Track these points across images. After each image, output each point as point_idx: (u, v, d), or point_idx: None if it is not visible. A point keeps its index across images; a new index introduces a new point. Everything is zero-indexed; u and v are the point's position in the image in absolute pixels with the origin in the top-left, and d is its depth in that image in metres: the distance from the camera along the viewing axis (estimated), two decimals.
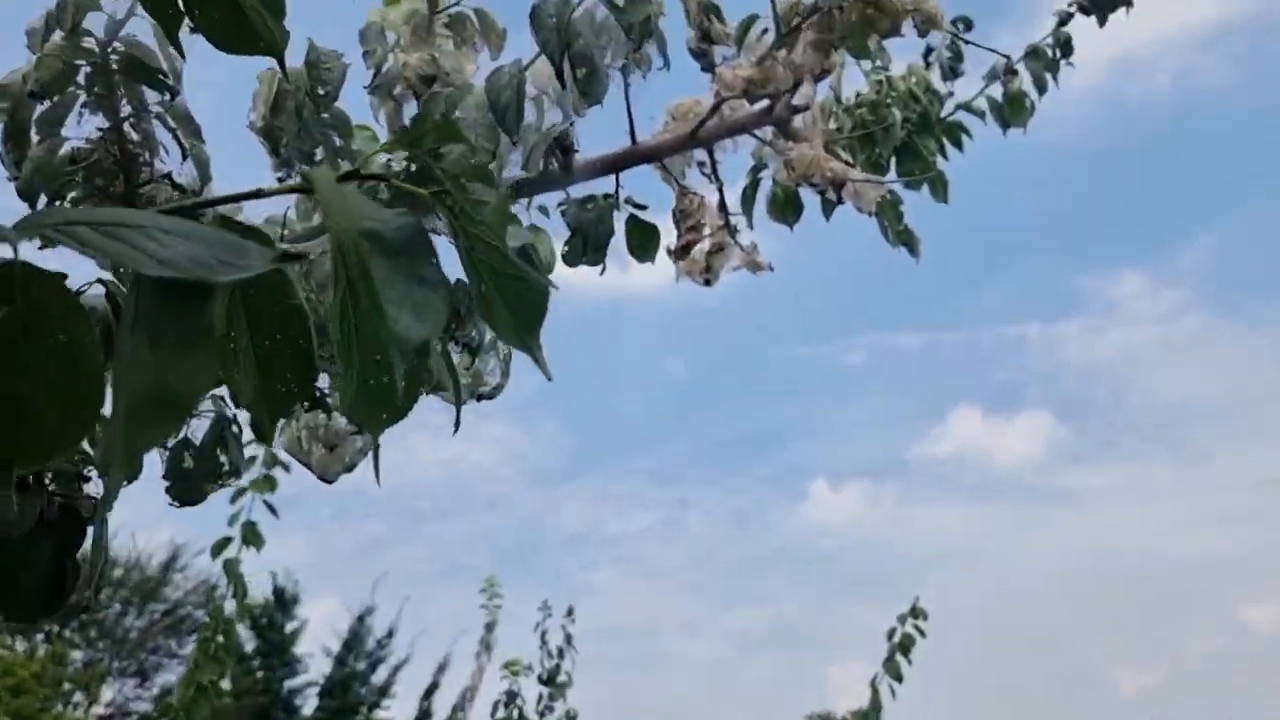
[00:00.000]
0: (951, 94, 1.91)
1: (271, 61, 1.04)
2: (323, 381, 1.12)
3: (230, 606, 3.27)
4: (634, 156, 1.23)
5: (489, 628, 4.53)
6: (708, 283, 1.48)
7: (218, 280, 0.40)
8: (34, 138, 0.86)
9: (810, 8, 1.12)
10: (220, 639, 3.19)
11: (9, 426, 0.44)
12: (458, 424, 1.09)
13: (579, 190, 1.23)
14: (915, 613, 3.64)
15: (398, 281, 0.42)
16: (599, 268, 1.25)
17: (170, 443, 0.98)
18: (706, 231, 1.31)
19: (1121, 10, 2.02)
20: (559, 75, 0.91)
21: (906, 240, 1.68)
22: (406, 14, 1.08)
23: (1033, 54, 1.98)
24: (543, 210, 1.20)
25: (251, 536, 3.20)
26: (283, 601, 13.05)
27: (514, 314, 0.48)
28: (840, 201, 1.35)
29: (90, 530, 0.88)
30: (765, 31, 1.18)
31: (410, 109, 1.06)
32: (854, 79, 1.85)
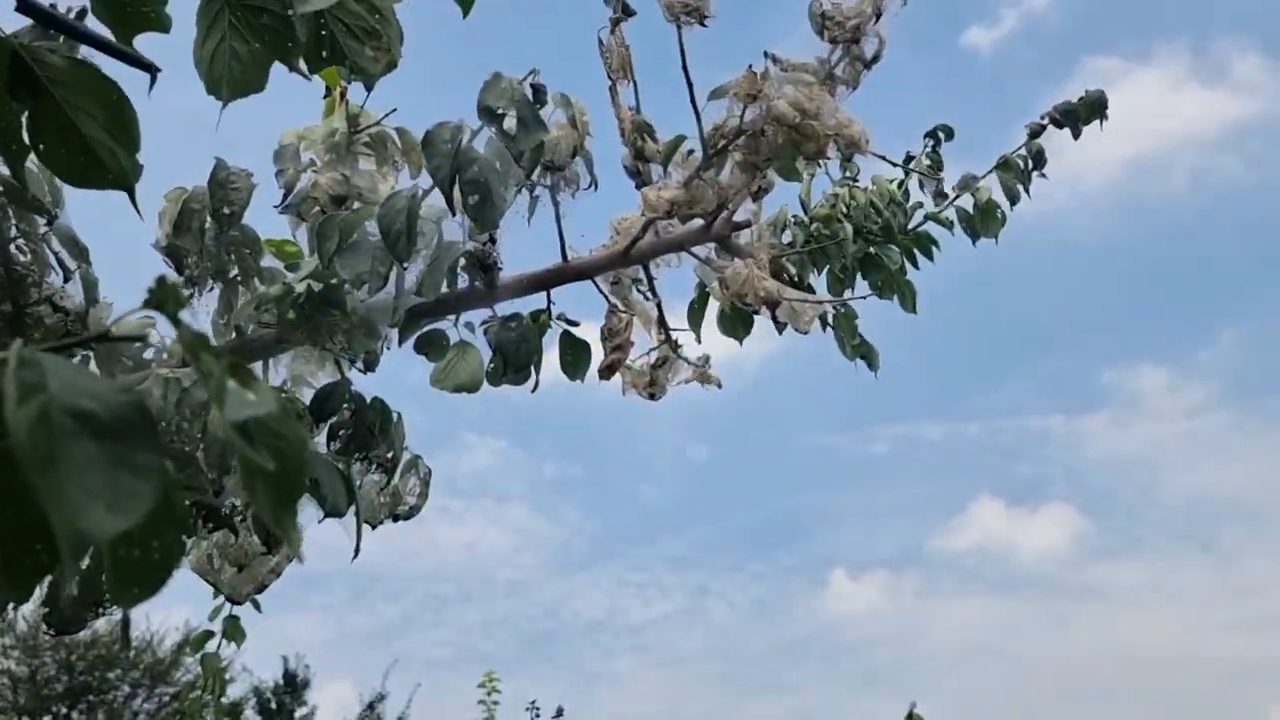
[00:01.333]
0: (920, 205, 1.89)
1: (185, 179, 1.03)
2: (235, 501, 1.09)
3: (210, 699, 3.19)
4: (565, 274, 1.22)
5: None
6: (652, 396, 1.45)
7: None
8: None
9: (736, 130, 1.11)
10: None
11: None
12: (357, 550, 1.06)
13: (508, 307, 1.21)
14: (912, 718, 3.51)
15: (101, 468, 0.39)
16: (530, 386, 1.23)
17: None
18: (637, 349, 1.29)
19: (1096, 123, 2.01)
20: (449, 202, 0.90)
21: (864, 354, 1.65)
22: (326, 133, 1.08)
23: (1004, 165, 1.96)
24: (469, 327, 1.19)
25: (233, 631, 3.14)
26: (293, 685, 12.88)
27: (270, 492, 0.45)
28: (776, 321, 1.33)
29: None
30: (692, 152, 1.17)
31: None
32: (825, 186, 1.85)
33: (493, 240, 1.12)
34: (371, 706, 13.04)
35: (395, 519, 1.16)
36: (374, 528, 1.15)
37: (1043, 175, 2.02)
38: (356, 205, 1.03)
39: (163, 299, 0.45)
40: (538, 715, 3.88)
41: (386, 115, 1.10)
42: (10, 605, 1.03)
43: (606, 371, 1.25)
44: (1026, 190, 1.97)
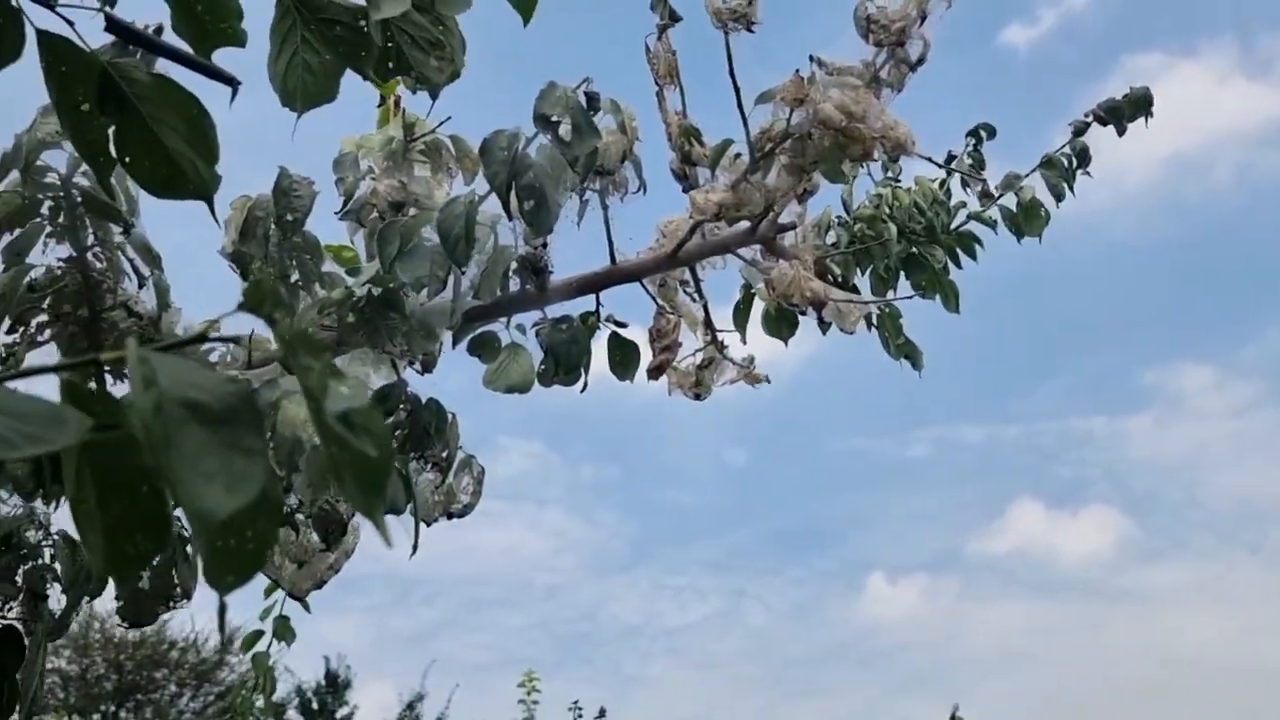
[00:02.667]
0: (963, 204, 1.90)
1: (246, 189, 1.07)
2: (291, 500, 1.13)
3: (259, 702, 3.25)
4: (614, 276, 1.24)
5: None
6: (698, 397, 1.47)
7: (9, 456, 0.40)
8: (0, 266, 0.89)
9: (783, 134, 1.13)
10: None
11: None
12: (415, 546, 1.09)
13: (559, 309, 1.24)
14: None
15: (214, 451, 0.42)
16: (579, 386, 1.26)
17: None
18: (684, 350, 1.32)
19: (1141, 120, 2.01)
20: (505, 207, 0.92)
21: (908, 353, 1.66)
22: (382, 141, 1.11)
23: (1048, 164, 1.96)
24: (520, 329, 1.22)
25: (283, 630, 3.20)
26: (334, 685, 13.02)
27: (357, 482, 0.48)
28: (821, 321, 1.34)
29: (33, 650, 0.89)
30: (739, 156, 1.19)
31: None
32: (867, 187, 1.86)
33: (544, 244, 1.14)
34: (411, 706, 13.15)
35: (450, 517, 1.19)
36: (429, 525, 1.18)
37: (1087, 173, 2.02)
38: (413, 211, 1.06)
39: (259, 300, 0.47)
40: (580, 715, 3.90)
41: (441, 124, 1.13)
42: (81, 609, 1.07)
43: (655, 372, 1.27)
44: (1071, 188, 1.97)
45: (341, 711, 13.01)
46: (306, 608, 3.39)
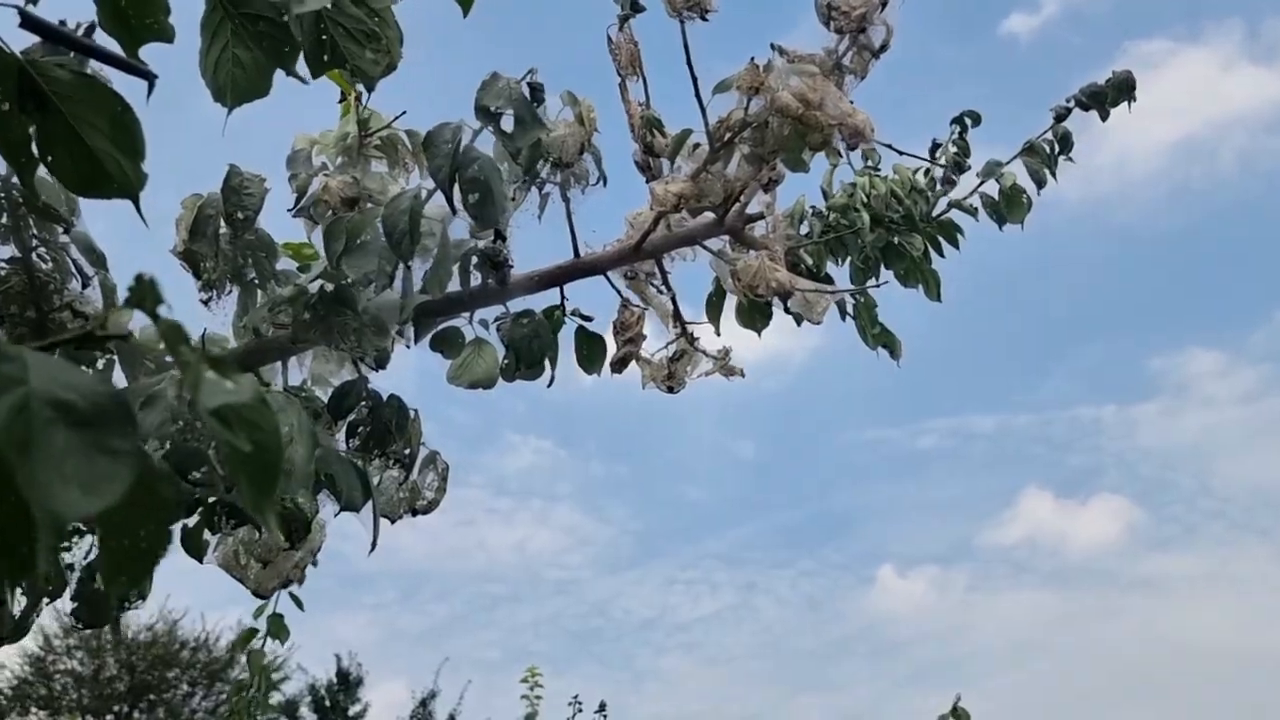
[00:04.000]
0: (946, 192, 1.88)
1: (201, 186, 1.06)
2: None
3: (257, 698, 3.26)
4: (576, 270, 1.23)
5: (529, 718, 4.45)
6: (671, 390, 1.46)
7: None
8: None
9: (741, 123, 1.12)
10: None
11: None
12: (374, 544, 1.08)
13: (523, 304, 1.23)
14: (957, 713, 3.49)
15: (78, 453, 0.42)
16: (546, 381, 1.25)
17: (79, 565, 0.98)
18: (656, 343, 1.31)
19: (1125, 105, 1.99)
20: (449, 202, 0.92)
21: (885, 342, 1.64)
22: (337, 137, 1.11)
23: (1029, 150, 1.94)
24: (484, 324, 1.21)
25: (277, 629, 3.20)
26: (346, 683, 13.05)
27: (250, 483, 0.47)
28: (788, 312, 1.33)
29: None
30: (699, 146, 1.18)
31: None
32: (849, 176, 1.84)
33: (502, 238, 1.13)
34: (424, 704, 13.19)
35: (414, 513, 1.18)
36: (393, 522, 1.17)
37: (1069, 159, 1.99)
38: (368, 206, 1.05)
39: (141, 296, 0.47)
40: (580, 710, 3.90)
41: (396, 118, 1.12)
42: (41, 610, 1.06)
43: (619, 365, 1.26)
44: (1053, 174, 1.95)
45: (354, 709, 13.05)
46: (299, 605, 3.38)
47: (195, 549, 1.10)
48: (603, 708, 3.91)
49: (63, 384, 0.43)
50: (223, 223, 1.00)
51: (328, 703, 12.84)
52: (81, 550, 0.97)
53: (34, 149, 0.71)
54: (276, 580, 1.19)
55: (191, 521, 1.09)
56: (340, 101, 1.26)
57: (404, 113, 1.11)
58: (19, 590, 1.03)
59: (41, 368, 0.43)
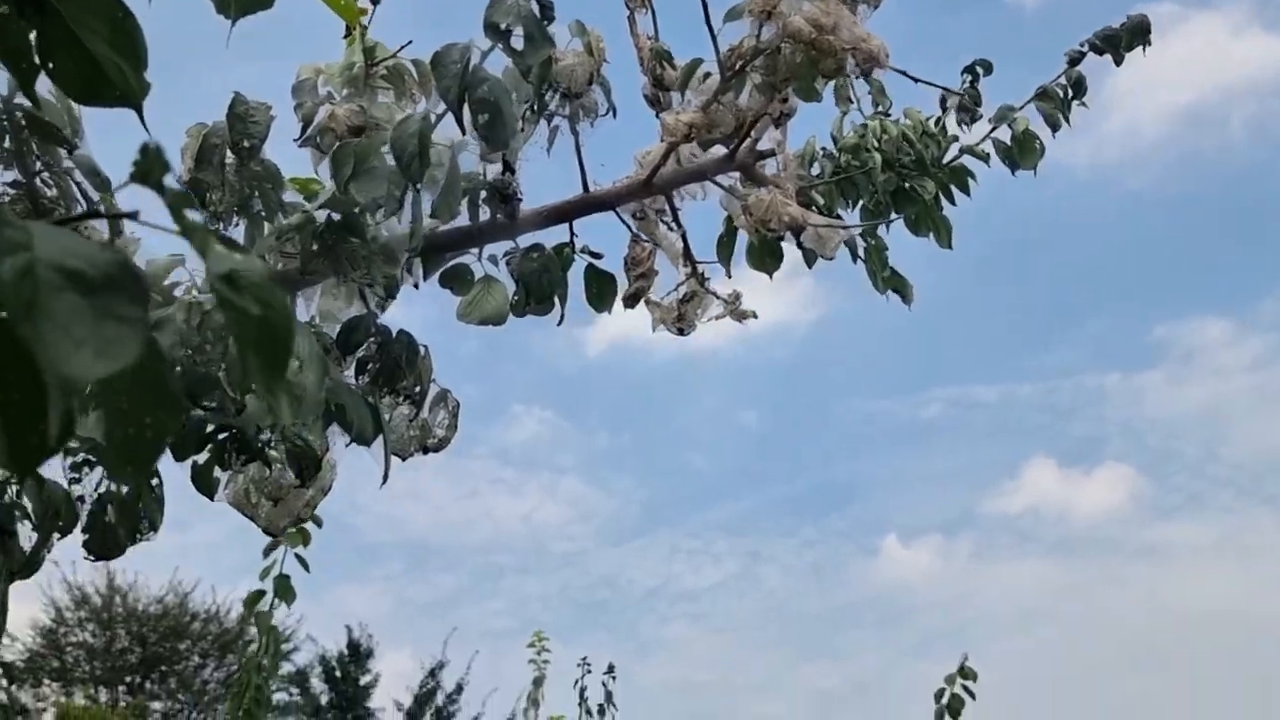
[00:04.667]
0: (957, 139, 1.85)
1: (207, 115, 1.05)
2: (264, 436, 1.11)
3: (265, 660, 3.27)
4: (586, 205, 1.22)
5: (537, 683, 4.46)
6: (681, 332, 1.45)
7: None
8: None
9: (753, 50, 1.10)
10: (255, 694, 3.20)
11: None
12: (385, 476, 1.07)
13: (532, 239, 1.22)
14: (964, 672, 3.49)
15: (87, 318, 0.40)
16: (556, 318, 1.24)
17: (90, 497, 0.98)
18: (666, 285, 1.29)
19: (1139, 49, 1.96)
20: (459, 122, 0.90)
21: (896, 286, 1.62)
22: (343, 66, 1.09)
23: (1043, 95, 1.92)
24: (493, 260, 1.19)
25: (284, 590, 3.22)
26: (357, 653, 13.15)
27: (258, 358, 0.46)
28: (800, 247, 1.31)
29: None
30: (709, 76, 1.16)
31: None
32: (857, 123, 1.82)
33: (511, 170, 1.12)
34: (432, 673, 13.27)
35: (425, 451, 1.17)
36: (404, 459, 1.16)
37: (1083, 104, 1.97)
38: (374, 134, 1.04)
39: (148, 168, 0.45)
40: (589, 672, 3.92)
41: (403, 47, 1.10)
42: (52, 544, 1.05)
43: (630, 300, 1.25)
44: (1067, 119, 1.93)
45: (364, 679, 13.15)
46: (305, 567, 3.37)
47: (206, 486, 1.09)
48: (610, 669, 3.93)
49: (70, 251, 0.42)
50: (229, 152, 0.98)
51: (338, 673, 12.94)
52: (92, 482, 0.96)
53: (34, 56, 0.69)
54: (287, 518, 1.18)
55: (202, 458, 1.08)
56: (345, 36, 1.24)
57: (410, 42, 1.09)
58: (29, 524, 1.02)
59: (47, 236, 0.42)
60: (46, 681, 11.26)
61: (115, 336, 0.40)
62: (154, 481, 0.97)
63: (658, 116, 1.24)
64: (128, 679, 12.08)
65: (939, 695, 3.55)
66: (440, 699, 13.53)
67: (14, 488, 0.99)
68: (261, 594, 3.10)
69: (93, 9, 0.68)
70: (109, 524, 0.94)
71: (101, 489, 0.97)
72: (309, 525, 3.08)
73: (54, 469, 0.96)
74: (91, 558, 0.95)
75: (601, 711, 3.82)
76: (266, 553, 3.07)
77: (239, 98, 1.00)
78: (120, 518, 0.94)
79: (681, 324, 1.41)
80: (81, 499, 0.95)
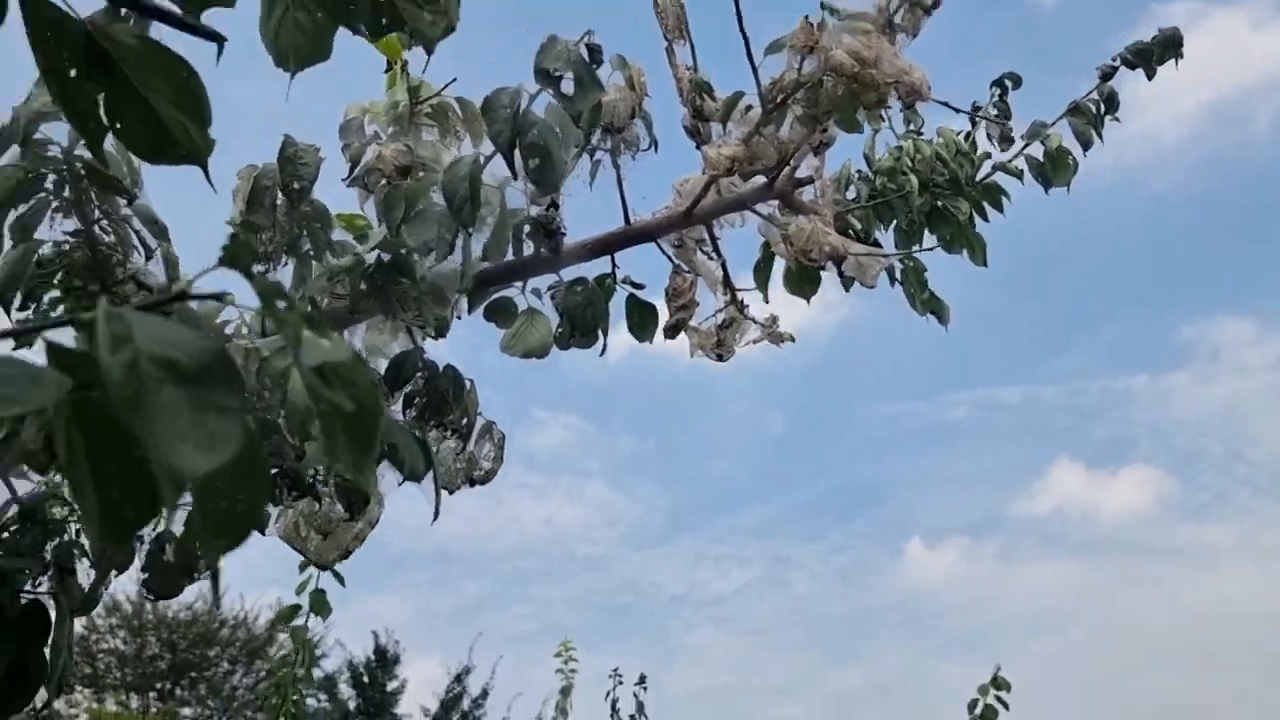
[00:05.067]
0: (988, 155, 1.85)
1: (255, 158, 1.06)
2: (312, 471, 1.13)
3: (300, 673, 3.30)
4: (628, 237, 1.22)
5: (564, 692, 4.47)
6: (720, 358, 1.46)
7: None
8: (8, 243, 0.89)
9: (794, 83, 1.10)
10: (292, 707, 3.22)
11: None
12: (436, 513, 1.08)
13: (575, 272, 1.23)
14: (997, 683, 3.47)
15: (188, 411, 0.41)
16: (598, 349, 1.24)
17: (149, 536, 0.99)
18: (704, 310, 1.30)
19: (1171, 62, 1.95)
20: (510, 166, 0.91)
21: (934, 308, 1.62)
22: (388, 105, 1.10)
23: (1075, 110, 1.91)
24: (536, 293, 1.20)
25: (319, 605, 3.23)
26: (384, 660, 13.21)
27: (347, 439, 0.47)
28: (842, 276, 1.32)
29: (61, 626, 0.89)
30: (751, 108, 1.16)
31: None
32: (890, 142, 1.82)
33: (555, 205, 1.13)
34: (459, 679, 13.31)
35: (472, 484, 1.18)
36: (451, 493, 1.17)
37: (1115, 119, 1.96)
38: (421, 175, 1.05)
39: (236, 254, 0.46)
40: (620, 682, 3.92)
41: (446, 85, 1.11)
42: (110, 583, 1.07)
43: (672, 331, 1.26)
44: (1099, 134, 1.92)
45: (391, 685, 13.20)
46: (341, 581, 3.38)
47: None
48: (642, 680, 3.93)
49: (168, 342, 0.43)
50: (279, 193, 1.00)
51: (366, 679, 13.00)
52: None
53: (102, 116, 0.71)
54: (336, 552, 1.20)
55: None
56: (387, 71, 1.25)
57: (454, 80, 1.10)
58: (87, 562, 1.04)
59: (144, 326, 0.43)
60: (79, 688, 11.37)
61: (217, 430, 0.41)
62: None
63: (698, 148, 1.24)
64: (158, 685, 12.18)
65: (972, 706, 3.54)
66: (466, 704, 13.57)
67: (74, 527, 1.01)
68: (297, 609, 3.13)
69: (159, 71, 0.70)
70: (167, 563, 0.96)
71: (158, 529, 0.98)
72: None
73: None
74: (151, 597, 0.96)
75: None
76: (303, 567, 3.09)
77: (289, 140, 1.02)
78: (178, 557, 0.95)
79: (720, 350, 1.42)
80: (141, 538, 0.96)
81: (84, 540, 1.04)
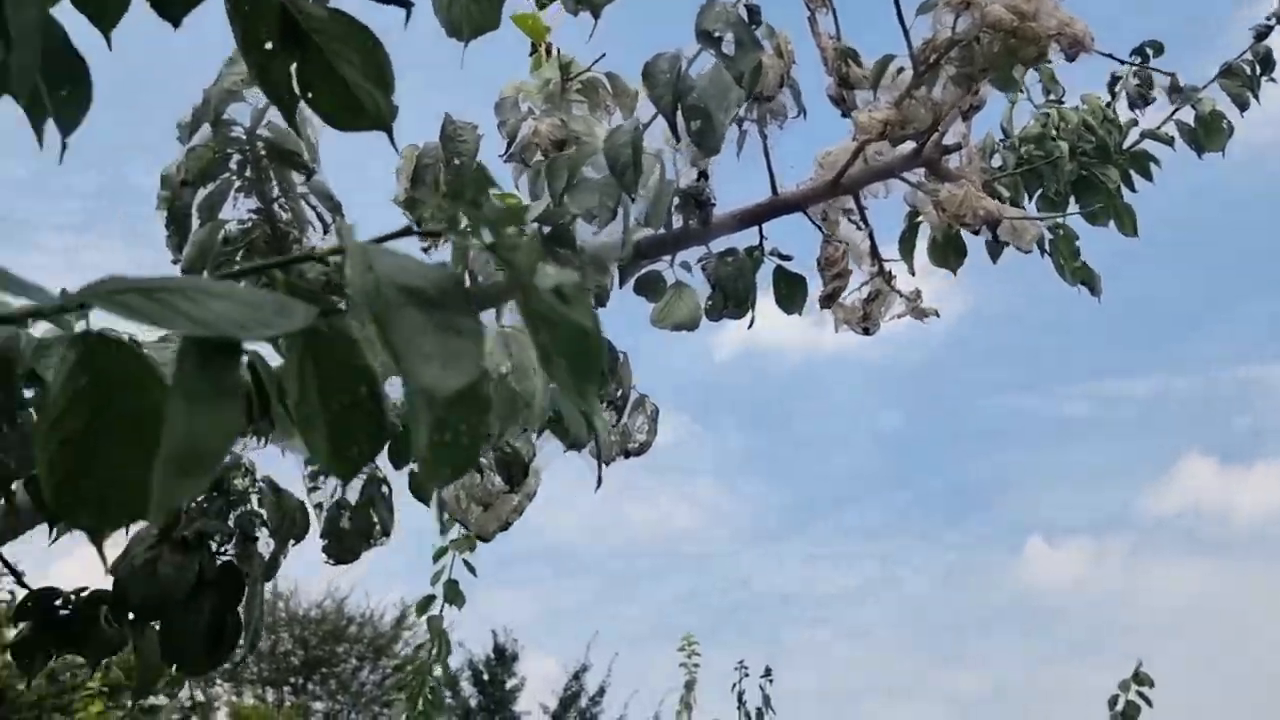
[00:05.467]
0: (1135, 123, 1.79)
1: (418, 137, 1.09)
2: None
3: (437, 665, 3.38)
4: (776, 207, 1.22)
5: (688, 686, 4.48)
6: (866, 331, 1.44)
7: (245, 337, 0.41)
8: (195, 222, 0.94)
9: (948, 42, 1.08)
10: (429, 696, 3.30)
11: (97, 489, 0.47)
12: (600, 481, 1.09)
13: (722, 244, 1.23)
14: (1140, 678, 3.35)
15: (431, 332, 0.43)
16: (746, 321, 1.24)
17: (327, 504, 1.03)
18: (855, 278, 1.28)
19: None
20: (673, 129, 0.91)
21: (1085, 278, 1.57)
22: (540, 83, 1.12)
23: (1228, 73, 1.83)
24: (685, 266, 1.21)
25: (453, 594, 3.30)
26: (503, 658, 13.44)
27: (569, 366, 0.48)
28: (997, 241, 1.29)
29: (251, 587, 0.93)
30: (901, 70, 1.15)
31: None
32: (1027, 113, 1.77)
33: (705, 176, 1.13)
34: (576, 676, 13.45)
35: (626, 455, 1.19)
36: (607, 465, 1.18)
37: (1272, 79, 1.87)
38: (575, 148, 1.06)
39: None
40: (746, 675, 3.91)
41: (597, 61, 1.13)
42: (288, 551, 1.11)
43: (827, 300, 1.25)
44: (1255, 96, 1.84)
45: (510, 683, 13.43)
46: (471, 570, 3.42)
47: (422, 493, 1.14)
48: (768, 673, 3.91)
49: (405, 269, 0.44)
50: (441, 169, 1.02)
51: (485, 676, 13.25)
52: (328, 490, 1.01)
53: (294, 87, 0.73)
54: (496, 523, 1.22)
55: (416, 467, 1.12)
56: (531, 54, 1.27)
57: (604, 55, 1.12)
58: (267, 530, 1.08)
59: (383, 256, 0.45)
60: (218, 681, 11.86)
61: (459, 350, 0.43)
62: (384, 489, 1.02)
63: (843, 116, 1.23)
64: (291, 680, 12.63)
65: (1112, 702, 3.42)
66: (584, 702, 13.71)
67: (255, 498, 1.05)
68: (432, 599, 3.21)
69: (346, 39, 0.72)
70: (344, 530, 0.99)
71: (335, 496, 1.02)
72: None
73: (294, 478, 1.01)
74: (331, 562, 1.00)
75: (760, 715, 3.80)
76: (436, 558, 3.17)
77: (448, 118, 1.04)
78: (355, 523, 0.98)
79: (867, 323, 1.40)
80: (320, 506, 1.00)
81: (263, 511, 1.08)
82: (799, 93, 1.15)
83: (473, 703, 13.11)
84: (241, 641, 0.87)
